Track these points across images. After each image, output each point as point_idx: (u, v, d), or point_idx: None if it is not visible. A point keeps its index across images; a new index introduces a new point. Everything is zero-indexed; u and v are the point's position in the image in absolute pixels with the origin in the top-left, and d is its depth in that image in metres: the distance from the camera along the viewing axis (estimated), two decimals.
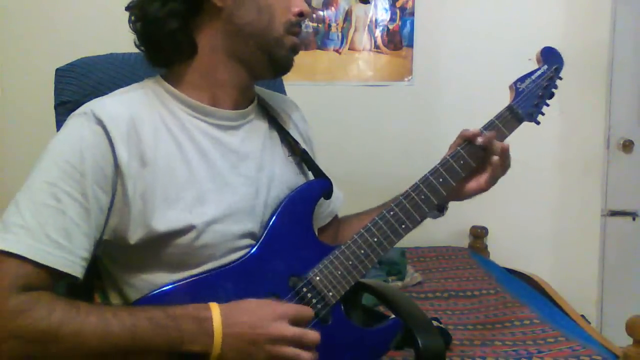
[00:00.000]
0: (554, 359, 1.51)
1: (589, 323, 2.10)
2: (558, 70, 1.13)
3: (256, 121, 1.05)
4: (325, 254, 0.99)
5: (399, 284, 2.09)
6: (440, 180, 1.04)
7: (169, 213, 0.90)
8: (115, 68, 1.21)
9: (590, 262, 2.69)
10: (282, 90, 1.31)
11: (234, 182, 0.97)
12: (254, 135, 1.03)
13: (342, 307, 1.01)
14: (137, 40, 0.98)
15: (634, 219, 2.67)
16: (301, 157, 1.09)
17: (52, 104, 1.18)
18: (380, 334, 1.04)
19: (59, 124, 1.14)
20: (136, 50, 1.00)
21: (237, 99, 1.01)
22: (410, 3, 2.60)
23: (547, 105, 1.13)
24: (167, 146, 0.93)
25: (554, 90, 1.13)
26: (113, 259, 0.95)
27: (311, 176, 1.10)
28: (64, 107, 1.15)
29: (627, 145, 2.63)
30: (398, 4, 2.60)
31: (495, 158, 1.04)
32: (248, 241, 0.97)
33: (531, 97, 1.11)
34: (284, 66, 1.00)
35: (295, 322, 0.89)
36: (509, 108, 1.09)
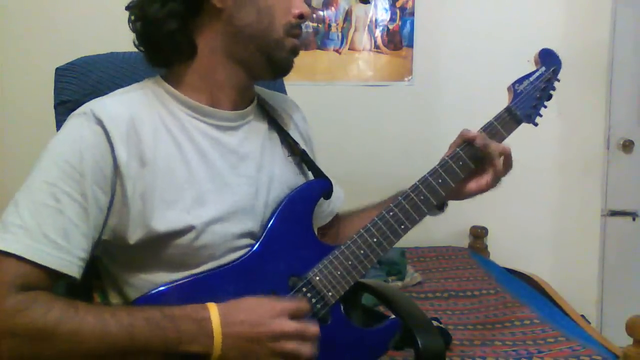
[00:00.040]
0: (554, 359, 1.51)
1: (589, 323, 2.10)
2: (556, 72, 1.13)
3: (255, 122, 1.05)
4: (325, 254, 0.99)
5: (399, 284, 2.09)
6: (440, 181, 1.04)
7: (169, 213, 0.90)
8: (115, 67, 1.21)
9: (590, 262, 2.69)
10: (282, 91, 1.31)
11: (234, 183, 0.97)
12: (254, 136, 1.03)
13: (342, 307, 1.01)
14: (137, 40, 0.98)
15: (634, 219, 2.67)
16: (301, 157, 1.09)
17: (52, 103, 1.18)
18: (379, 334, 1.04)
19: (59, 124, 1.14)
20: (136, 50, 1.00)
21: (236, 99, 1.01)
22: (410, 3, 2.60)
23: (545, 107, 1.13)
24: (167, 147, 0.93)
25: (552, 92, 1.13)
26: (113, 259, 0.95)
27: (311, 176, 1.10)
28: (64, 107, 1.15)
29: (627, 145, 2.63)
30: (398, 4, 2.60)
31: (495, 161, 1.04)
32: (248, 241, 0.97)
33: (529, 99, 1.11)
34: (284, 68, 1.00)
35: (295, 316, 0.89)
36: (508, 110, 1.09)
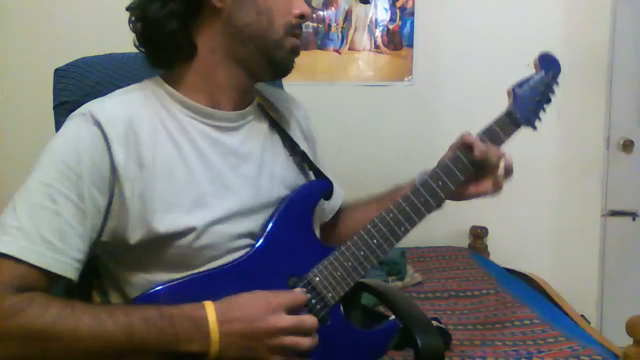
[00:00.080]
0: (554, 359, 1.51)
1: (589, 323, 2.10)
2: (555, 76, 1.13)
3: (256, 121, 1.05)
4: (325, 255, 0.99)
5: (399, 284, 2.09)
6: (440, 183, 1.04)
7: (169, 215, 0.90)
8: (115, 68, 1.21)
9: (590, 262, 2.69)
10: None
11: (234, 183, 0.97)
12: (254, 136, 1.03)
13: (342, 308, 1.01)
14: (137, 41, 0.98)
15: (634, 219, 2.66)
16: (302, 157, 1.09)
17: (51, 104, 1.18)
18: (378, 336, 1.04)
19: (58, 124, 1.14)
20: (135, 50, 1.00)
21: (236, 100, 1.01)
22: (410, 3, 2.60)
23: (545, 111, 1.13)
24: (166, 148, 0.93)
25: (551, 96, 1.13)
26: (113, 258, 0.95)
27: (312, 176, 1.10)
28: (63, 108, 1.15)
29: (627, 145, 2.63)
30: (398, 4, 2.60)
31: (494, 167, 1.04)
32: (248, 241, 0.97)
33: (529, 103, 1.11)
34: (284, 68, 1.00)
35: (291, 310, 0.89)
36: (508, 113, 1.09)
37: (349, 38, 2.61)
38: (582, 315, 2.06)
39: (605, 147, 2.65)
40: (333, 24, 2.60)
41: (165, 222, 0.90)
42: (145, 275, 0.92)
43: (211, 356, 0.84)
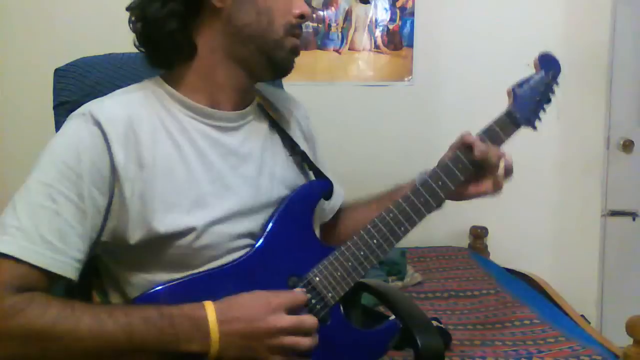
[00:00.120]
0: (554, 359, 1.51)
1: (589, 323, 2.10)
2: (555, 76, 1.13)
3: (256, 121, 1.05)
4: (325, 255, 0.99)
5: (399, 284, 2.09)
6: (439, 183, 1.04)
7: (169, 215, 0.90)
8: (115, 68, 1.21)
9: (590, 262, 2.69)
10: None
11: (234, 183, 0.97)
12: (254, 136, 1.03)
13: (342, 308, 1.01)
14: (137, 41, 0.98)
15: (634, 219, 2.66)
16: (302, 157, 1.09)
17: (51, 104, 1.18)
18: (378, 336, 1.04)
19: (58, 125, 1.14)
20: (135, 50, 1.00)
21: (236, 100, 1.01)
22: (410, 3, 2.60)
23: (544, 111, 1.13)
24: (166, 148, 0.93)
25: (551, 96, 1.13)
26: (114, 258, 0.95)
27: (312, 176, 1.10)
28: (63, 108, 1.15)
29: (627, 145, 2.63)
30: (398, 4, 2.60)
31: (494, 167, 1.04)
32: (248, 241, 0.97)
33: (529, 103, 1.11)
34: (284, 68, 1.00)
35: (292, 310, 0.89)
36: (508, 113, 1.09)
37: (349, 38, 2.61)
38: (582, 315, 2.06)
39: (605, 147, 2.65)
40: (333, 24, 2.60)
41: (165, 222, 0.90)
42: (145, 275, 0.93)
43: (211, 356, 0.84)
